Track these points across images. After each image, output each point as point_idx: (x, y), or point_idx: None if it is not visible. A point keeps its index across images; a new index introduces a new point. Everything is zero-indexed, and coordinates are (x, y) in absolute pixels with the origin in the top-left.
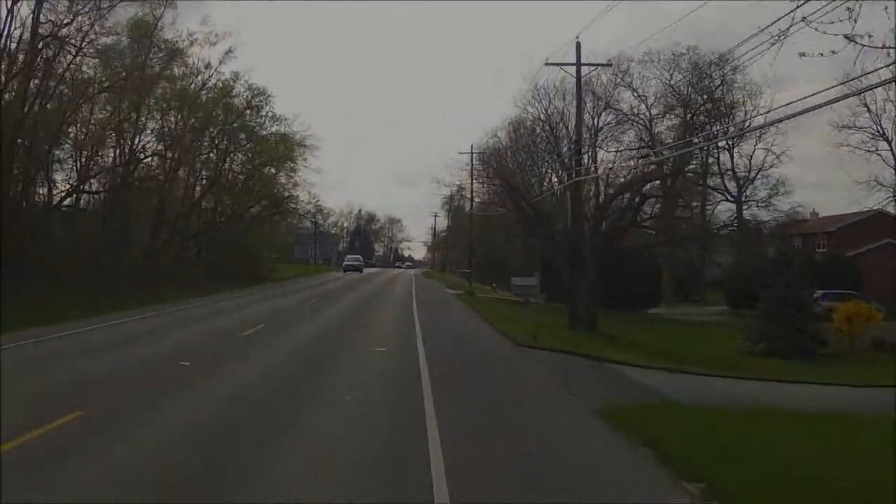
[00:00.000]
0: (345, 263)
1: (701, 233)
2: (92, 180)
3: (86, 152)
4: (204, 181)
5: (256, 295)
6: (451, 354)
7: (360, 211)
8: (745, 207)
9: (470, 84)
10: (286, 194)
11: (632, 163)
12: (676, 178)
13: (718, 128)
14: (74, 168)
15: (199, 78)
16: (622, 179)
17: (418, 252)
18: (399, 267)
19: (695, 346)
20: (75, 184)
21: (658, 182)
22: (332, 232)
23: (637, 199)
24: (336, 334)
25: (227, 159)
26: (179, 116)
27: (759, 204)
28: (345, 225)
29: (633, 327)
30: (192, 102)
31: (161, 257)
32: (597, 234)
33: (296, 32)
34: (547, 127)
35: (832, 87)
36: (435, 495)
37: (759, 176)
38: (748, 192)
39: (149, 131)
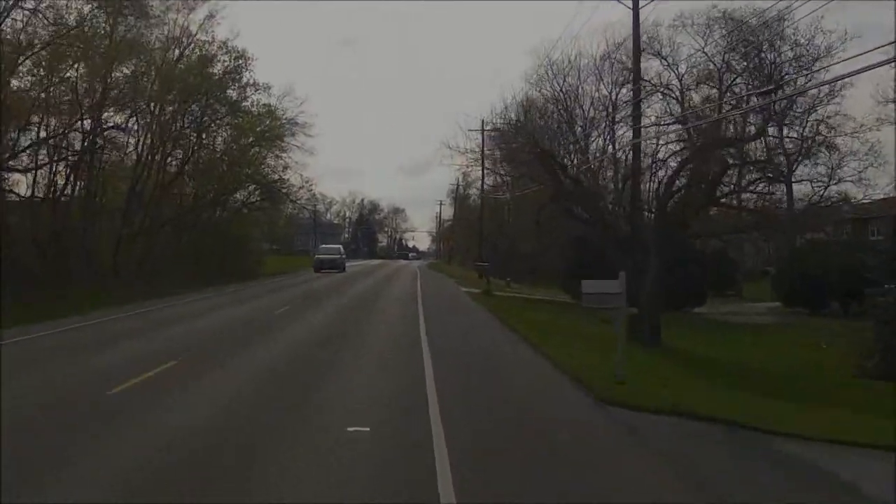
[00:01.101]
0: (316, 258)
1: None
2: (44, 157)
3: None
4: (176, 161)
5: (213, 300)
6: (498, 443)
7: (362, 200)
8: (833, 182)
9: (477, 70)
10: (276, 177)
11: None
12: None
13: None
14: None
15: (177, 50)
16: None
17: (422, 242)
18: (403, 258)
19: (790, 364)
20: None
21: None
22: (335, 222)
23: (716, 170)
24: (282, 387)
25: (205, 135)
26: (153, 87)
27: (844, 181)
28: (347, 214)
29: (695, 335)
30: (167, 72)
31: (128, 251)
32: (661, 215)
33: (298, 22)
34: (561, 107)
35: (876, 49)
36: None
37: (815, 151)
38: (835, 169)
39: (114, 102)
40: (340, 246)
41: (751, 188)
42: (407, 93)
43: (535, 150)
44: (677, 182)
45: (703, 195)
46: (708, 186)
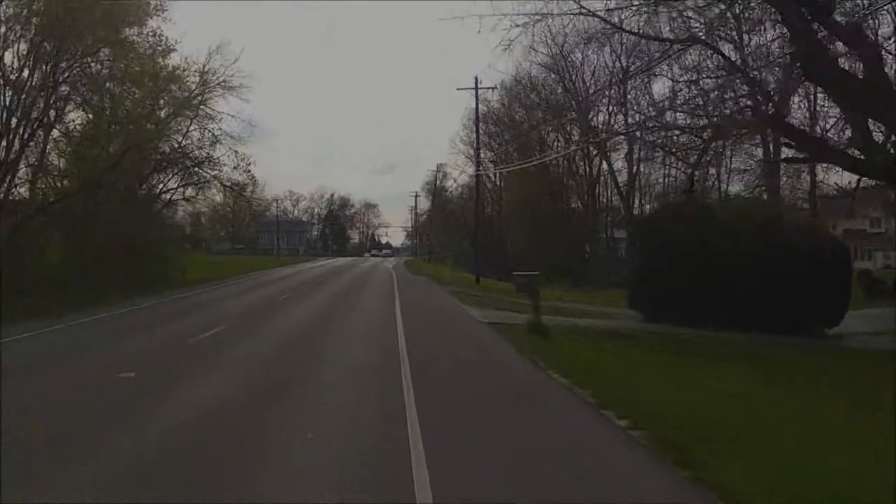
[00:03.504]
0: None
1: None
2: None
3: None
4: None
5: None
6: None
7: (332, 195)
8: None
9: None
10: (203, 153)
11: None
12: None
13: None
14: None
15: None
16: None
17: (396, 238)
18: (376, 256)
19: None
20: None
21: None
22: (303, 219)
23: None
24: None
25: (76, 86)
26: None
27: None
28: (316, 211)
29: None
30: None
31: None
32: None
33: (266, 18)
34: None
35: None
36: None
37: None
38: None
39: None
40: None
41: None
42: (381, 88)
43: None
44: None
45: None
46: None
